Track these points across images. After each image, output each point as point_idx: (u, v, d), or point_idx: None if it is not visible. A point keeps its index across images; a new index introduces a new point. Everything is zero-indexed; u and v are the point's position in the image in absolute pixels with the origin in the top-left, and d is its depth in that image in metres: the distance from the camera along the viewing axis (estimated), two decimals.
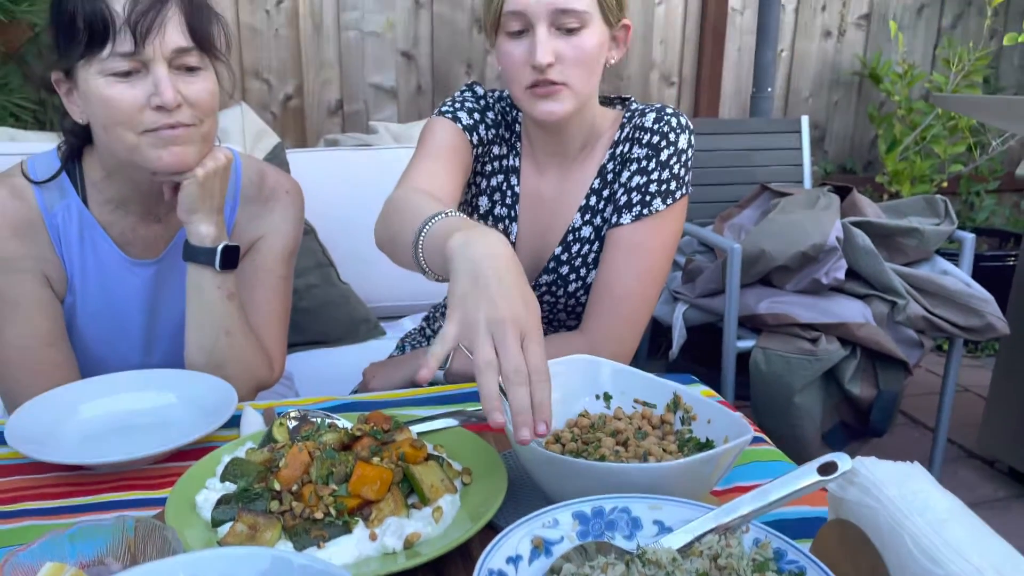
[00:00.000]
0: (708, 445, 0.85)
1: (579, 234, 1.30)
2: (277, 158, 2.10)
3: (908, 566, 0.60)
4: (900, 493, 0.65)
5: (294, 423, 0.87)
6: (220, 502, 0.75)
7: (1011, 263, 3.12)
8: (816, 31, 3.46)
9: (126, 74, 1.04)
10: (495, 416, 0.71)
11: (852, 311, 1.98)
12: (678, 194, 1.24)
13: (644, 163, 1.24)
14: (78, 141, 1.19)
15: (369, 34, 2.83)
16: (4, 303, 1.15)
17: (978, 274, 2.25)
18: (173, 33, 1.05)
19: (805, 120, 2.76)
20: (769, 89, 3.12)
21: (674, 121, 1.24)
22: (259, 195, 1.29)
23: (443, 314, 1.59)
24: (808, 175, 2.74)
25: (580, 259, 1.29)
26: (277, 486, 0.75)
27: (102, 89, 1.05)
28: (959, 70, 3.35)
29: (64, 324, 1.21)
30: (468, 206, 1.38)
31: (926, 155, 3.41)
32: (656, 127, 1.24)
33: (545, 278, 1.31)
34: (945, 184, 3.44)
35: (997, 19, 3.66)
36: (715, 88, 3.27)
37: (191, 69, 1.08)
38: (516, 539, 0.66)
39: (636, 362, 2.99)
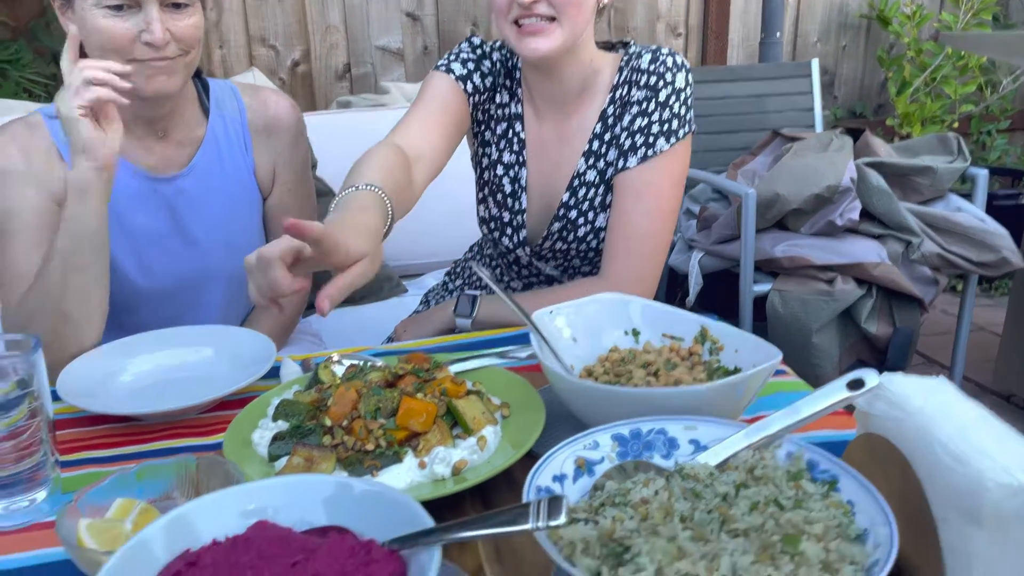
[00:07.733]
0: (736, 372, 0.88)
1: (584, 179, 1.31)
2: None
3: (936, 470, 0.63)
4: (926, 403, 0.68)
5: (339, 366, 0.90)
6: (275, 439, 0.79)
7: (1023, 201, 3.12)
8: None
9: (118, 8, 1.13)
10: None
11: (867, 251, 1.99)
12: (681, 132, 1.25)
13: (644, 105, 1.25)
14: None
15: None
16: (11, 216, 1.20)
17: (991, 213, 2.25)
18: None
19: (815, 63, 2.74)
20: (778, 34, 3.09)
21: (669, 61, 1.25)
22: (265, 126, 1.40)
23: (461, 270, 1.61)
24: (820, 119, 2.73)
25: (587, 203, 1.31)
26: (328, 422, 0.78)
27: (97, 20, 1.14)
28: (968, 9, 3.31)
29: None
30: (476, 158, 1.40)
31: (936, 96, 3.38)
32: (652, 68, 1.25)
33: (556, 225, 1.33)
34: (956, 125, 3.41)
35: None
36: (722, 36, 3.25)
37: (177, 5, 1.17)
38: (560, 460, 0.69)
39: None
